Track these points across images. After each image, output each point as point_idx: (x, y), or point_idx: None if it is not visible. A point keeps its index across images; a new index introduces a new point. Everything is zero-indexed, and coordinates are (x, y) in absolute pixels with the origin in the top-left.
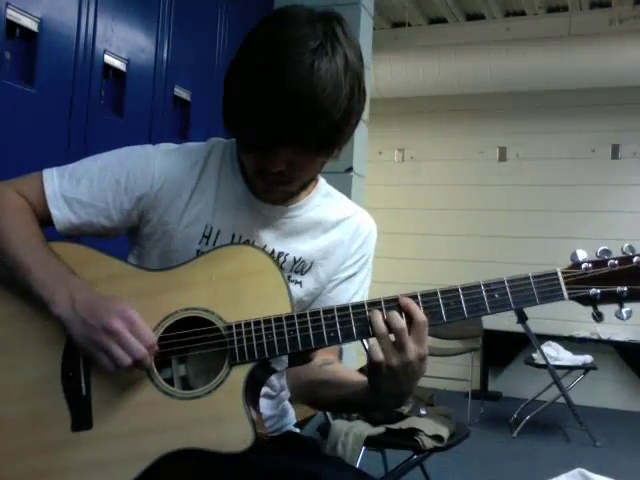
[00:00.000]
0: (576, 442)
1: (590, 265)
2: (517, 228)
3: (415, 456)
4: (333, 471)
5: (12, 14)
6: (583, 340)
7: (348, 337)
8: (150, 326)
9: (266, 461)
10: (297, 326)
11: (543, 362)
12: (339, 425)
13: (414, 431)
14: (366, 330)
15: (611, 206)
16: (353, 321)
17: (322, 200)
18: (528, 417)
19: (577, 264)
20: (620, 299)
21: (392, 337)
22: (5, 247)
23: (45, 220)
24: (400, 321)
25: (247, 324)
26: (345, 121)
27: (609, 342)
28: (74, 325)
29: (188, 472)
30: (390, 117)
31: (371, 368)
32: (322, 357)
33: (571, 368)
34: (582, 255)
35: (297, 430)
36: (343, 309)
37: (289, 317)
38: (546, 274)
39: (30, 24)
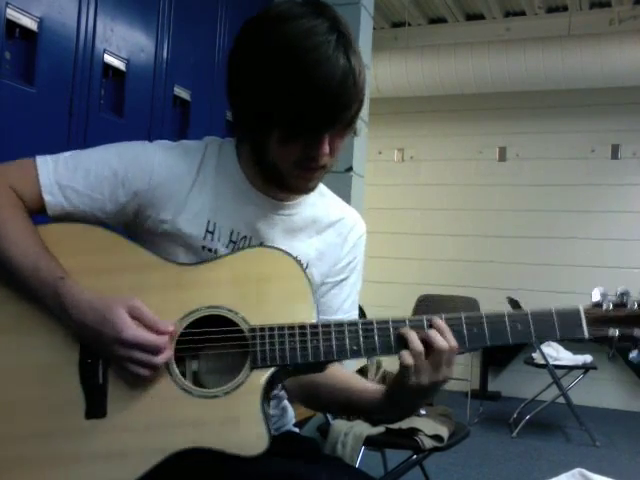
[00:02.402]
0: (576, 442)
1: (611, 307)
2: (517, 228)
3: (415, 456)
4: (333, 471)
5: (12, 14)
6: (583, 340)
7: (370, 352)
8: (172, 321)
9: (266, 462)
10: (321, 336)
11: (543, 362)
12: (339, 425)
13: (414, 431)
14: (389, 346)
15: (611, 206)
16: (377, 336)
17: (317, 199)
18: (528, 417)
19: (598, 304)
20: (636, 341)
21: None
22: None
23: (37, 207)
24: (442, 341)
25: (271, 329)
26: (364, 95)
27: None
28: (89, 341)
29: (188, 471)
30: (390, 117)
31: (399, 380)
32: None
33: (571, 368)
34: (597, 295)
35: (296, 430)
36: (367, 323)
37: (313, 326)
38: (569, 310)
39: (30, 24)
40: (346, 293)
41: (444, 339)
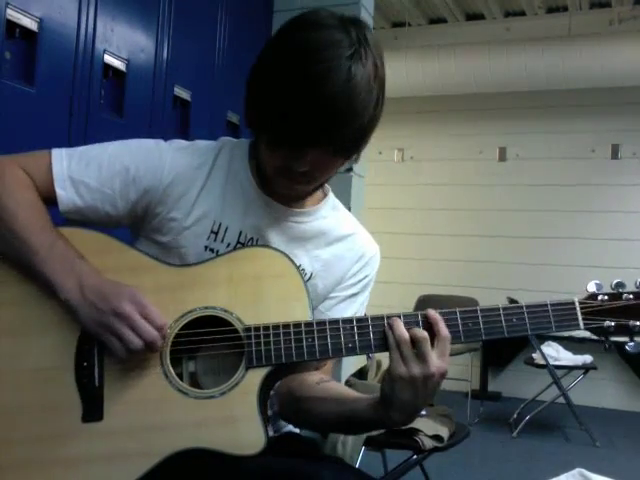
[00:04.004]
0: (576, 442)
1: (606, 298)
2: (517, 228)
3: (415, 456)
4: (333, 472)
5: (12, 14)
6: (583, 340)
7: (366, 348)
8: (167, 322)
9: (266, 462)
10: (316, 334)
11: (543, 362)
12: None
13: (414, 431)
14: (384, 343)
15: (611, 206)
16: (372, 333)
17: (330, 212)
18: (528, 417)
19: (593, 295)
20: (632, 333)
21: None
22: (11, 226)
23: (48, 200)
24: (421, 331)
25: (266, 328)
26: (370, 126)
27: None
28: (83, 309)
29: (189, 472)
30: (390, 117)
31: (390, 376)
32: (318, 376)
33: (571, 368)
34: (592, 287)
35: (297, 430)
36: (362, 320)
37: (308, 324)
38: (564, 303)
39: (30, 24)
40: (355, 309)
41: (421, 327)
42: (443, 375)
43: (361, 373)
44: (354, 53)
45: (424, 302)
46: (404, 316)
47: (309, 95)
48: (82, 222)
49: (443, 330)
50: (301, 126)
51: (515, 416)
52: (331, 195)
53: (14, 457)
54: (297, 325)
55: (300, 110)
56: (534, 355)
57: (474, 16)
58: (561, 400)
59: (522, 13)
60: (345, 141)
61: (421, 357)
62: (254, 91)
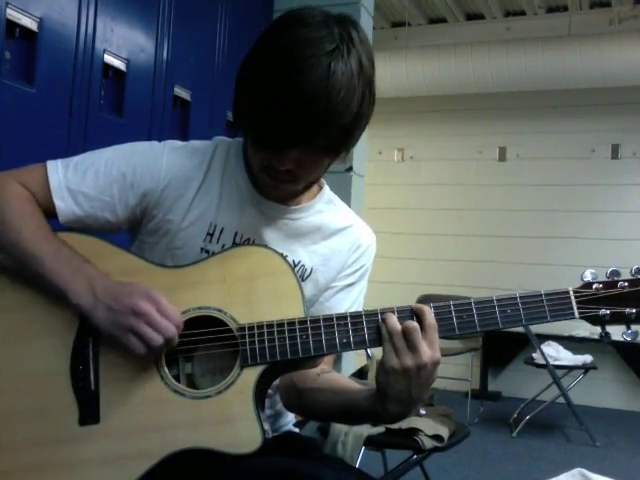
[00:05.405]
0: (576, 442)
1: (601, 286)
2: (517, 228)
3: (415, 456)
4: (333, 471)
5: (12, 14)
6: (583, 340)
7: (360, 344)
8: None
9: (266, 462)
10: (310, 331)
11: (543, 362)
12: (339, 425)
13: (414, 431)
14: (378, 337)
15: (611, 206)
16: (366, 328)
17: (325, 206)
18: (528, 417)
19: (588, 284)
20: (628, 320)
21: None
22: (15, 239)
23: (48, 212)
24: (412, 322)
25: (260, 326)
26: (355, 125)
27: (609, 342)
28: (97, 312)
29: (188, 472)
30: (390, 117)
31: (384, 368)
32: (319, 367)
33: (571, 368)
34: (588, 276)
35: (297, 430)
36: (356, 316)
37: (302, 321)
38: (558, 292)
39: (30, 24)
40: (352, 299)
41: (414, 320)
42: (435, 364)
43: (361, 373)
44: (334, 50)
45: (424, 302)
46: (397, 311)
47: (286, 93)
48: (82, 230)
49: (429, 319)
50: (280, 125)
51: (515, 416)
52: (326, 189)
53: (13, 462)
54: (291, 323)
55: (278, 108)
56: (534, 355)
57: (474, 16)
58: (561, 400)
59: (522, 13)
60: (328, 140)
61: (413, 348)
62: (237, 89)
